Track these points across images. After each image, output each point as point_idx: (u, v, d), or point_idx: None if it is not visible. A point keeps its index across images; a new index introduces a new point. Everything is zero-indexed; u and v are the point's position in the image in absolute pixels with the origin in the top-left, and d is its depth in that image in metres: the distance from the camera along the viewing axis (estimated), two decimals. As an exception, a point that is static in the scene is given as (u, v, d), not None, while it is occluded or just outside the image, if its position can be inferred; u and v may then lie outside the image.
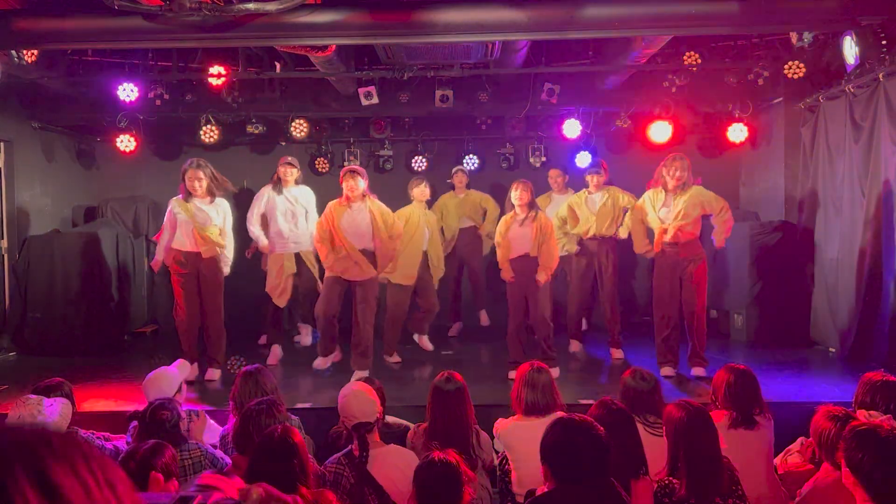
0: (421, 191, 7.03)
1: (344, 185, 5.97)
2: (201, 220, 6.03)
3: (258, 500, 1.53)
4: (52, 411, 3.52)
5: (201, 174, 6.03)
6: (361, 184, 5.95)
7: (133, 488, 0.78)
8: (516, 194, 6.08)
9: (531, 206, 6.10)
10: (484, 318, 8.10)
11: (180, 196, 6.10)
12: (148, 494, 1.74)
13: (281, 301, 6.77)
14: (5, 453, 0.68)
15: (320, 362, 6.15)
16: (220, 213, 6.14)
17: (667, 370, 5.97)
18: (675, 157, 6.03)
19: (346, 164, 8.78)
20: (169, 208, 6.15)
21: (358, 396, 3.45)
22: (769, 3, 5.14)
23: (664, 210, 6.03)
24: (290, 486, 2.60)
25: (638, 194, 6.50)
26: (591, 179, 6.82)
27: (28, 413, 3.47)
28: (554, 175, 7.71)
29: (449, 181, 8.12)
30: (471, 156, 8.83)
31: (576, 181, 7.66)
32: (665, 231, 5.99)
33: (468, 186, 8.04)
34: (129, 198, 8.77)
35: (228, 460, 3.48)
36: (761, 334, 7.41)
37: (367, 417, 3.37)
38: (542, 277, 5.98)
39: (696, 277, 5.95)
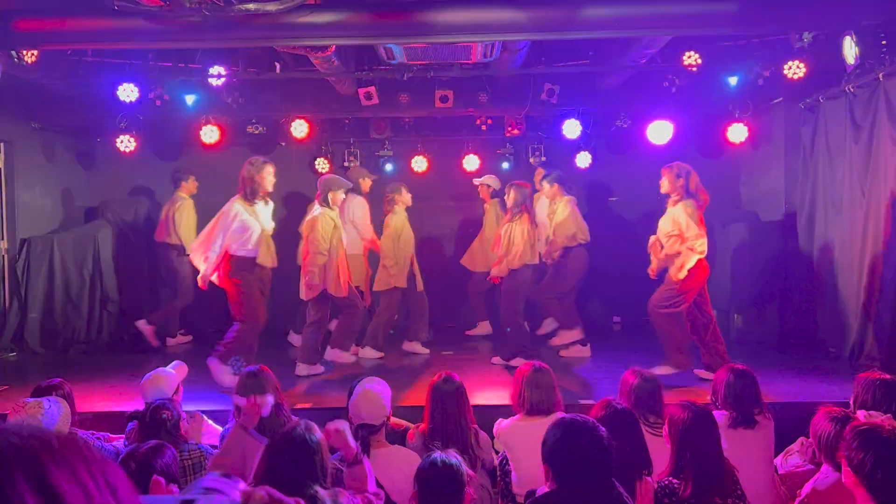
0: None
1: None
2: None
3: (261, 503, 1.52)
4: (53, 414, 3.50)
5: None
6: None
7: (134, 491, 0.77)
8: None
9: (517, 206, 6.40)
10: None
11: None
12: (149, 497, 1.73)
13: None
14: (5, 457, 0.67)
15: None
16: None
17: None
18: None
19: (346, 164, 8.77)
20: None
21: (368, 398, 3.45)
22: (769, 3, 5.13)
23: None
24: (306, 483, 2.56)
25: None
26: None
27: (29, 417, 3.45)
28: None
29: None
30: (471, 155, 8.82)
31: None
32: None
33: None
34: (130, 198, 8.76)
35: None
36: (762, 334, 7.40)
37: (372, 420, 3.37)
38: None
39: None
